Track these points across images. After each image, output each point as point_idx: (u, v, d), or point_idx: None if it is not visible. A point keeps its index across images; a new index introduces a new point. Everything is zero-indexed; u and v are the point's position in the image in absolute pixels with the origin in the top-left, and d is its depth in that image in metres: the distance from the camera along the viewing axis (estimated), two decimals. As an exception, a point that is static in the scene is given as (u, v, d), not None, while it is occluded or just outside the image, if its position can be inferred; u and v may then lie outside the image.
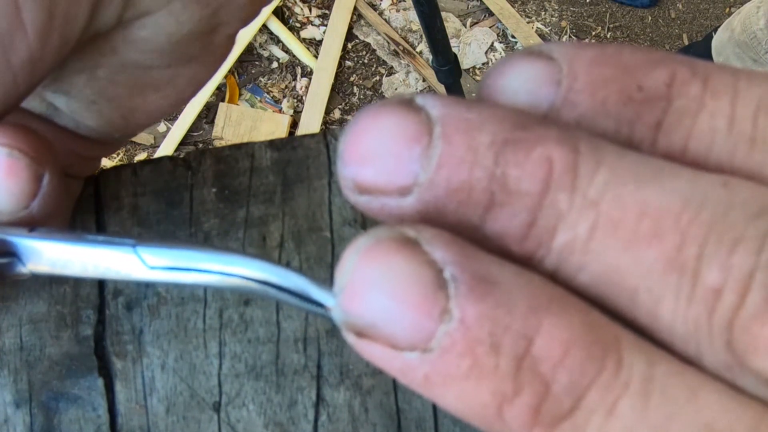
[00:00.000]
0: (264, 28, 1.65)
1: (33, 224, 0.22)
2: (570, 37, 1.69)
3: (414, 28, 1.68)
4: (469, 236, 0.14)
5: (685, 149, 0.15)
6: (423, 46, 1.65)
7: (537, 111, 0.15)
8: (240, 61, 1.62)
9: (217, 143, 1.54)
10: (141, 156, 1.55)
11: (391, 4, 1.71)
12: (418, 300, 0.13)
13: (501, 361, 0.13)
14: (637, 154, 0.14)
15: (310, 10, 1.68)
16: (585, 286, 0.14)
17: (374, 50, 1.66)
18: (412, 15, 1.66)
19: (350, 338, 0.14)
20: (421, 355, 0.13)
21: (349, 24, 1.66)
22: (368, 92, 1.63)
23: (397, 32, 1.68)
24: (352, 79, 1.63)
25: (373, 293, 0.13)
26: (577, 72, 0.15)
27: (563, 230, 0.14)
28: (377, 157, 0.14)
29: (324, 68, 1.60)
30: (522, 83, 0.15)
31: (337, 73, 1.62)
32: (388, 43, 1.66)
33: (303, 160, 0.33)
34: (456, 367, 0.13)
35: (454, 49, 1.29)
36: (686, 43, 1.73)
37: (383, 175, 0.14)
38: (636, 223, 0.13)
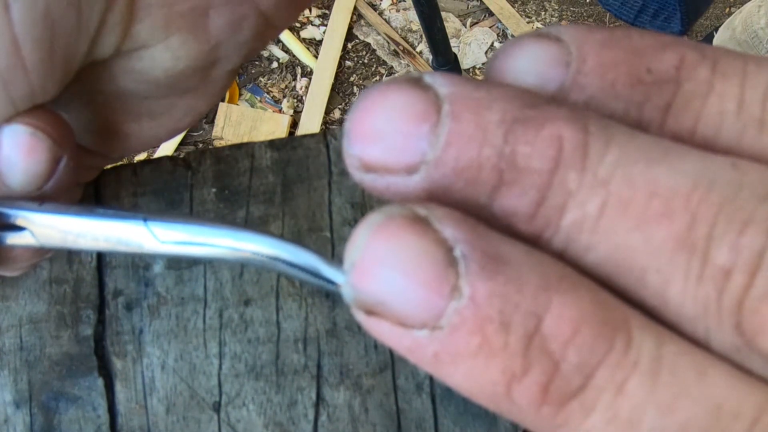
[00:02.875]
0: (264, 28, 1.65)
1: (42, 201, 0.23)
2: (570, 37, 1.68)
3: (414, 28, 1.68)
4: (477, 215, 0.14)
5: (694, 131, 0.15)
6: (423, 46, 1.65)
7: (545, 92, 0.15)
8: (240, 61, 1.62)
9: (217, 143, 1.54)
10: (141, 156, 1.55)
11: (391, 4, 1.71)
12: (429, 277, 0.13)
13: (510, 339, 0.13)
14: (646, 135, 0.14)
15: (310, 10, 1.68)
16: (593, 266, 0.14)
17: (374, 50, 1.66)
18: (412, 15, 1.66)
19: (360, 316, 0.14)
20: (430, 333, 0.13)
21: (349, 24, 1.66)
22: (368, 92, 1.62)
23: (397, 32, 1.68)
24: (352, 79, 1.63)
25: (384, 270, 0.13)
26: (586, 54, 0.15)
27: (572, 209, 0.14)
28: (384, 134, 0.14)
29: (324, 68, 1.60)
30: (530, 64, 0.15)
31: (337, 73, 1.62)
32: (388, 43, 1.66)
33: (303, 160, 0.33)
34: (465, 345, 0.13)
35: (454, 49, 1.29)
36: (686, 43, 1.72)
37: (390, 153, 0.14)
38: (646, 202, 0.13)
